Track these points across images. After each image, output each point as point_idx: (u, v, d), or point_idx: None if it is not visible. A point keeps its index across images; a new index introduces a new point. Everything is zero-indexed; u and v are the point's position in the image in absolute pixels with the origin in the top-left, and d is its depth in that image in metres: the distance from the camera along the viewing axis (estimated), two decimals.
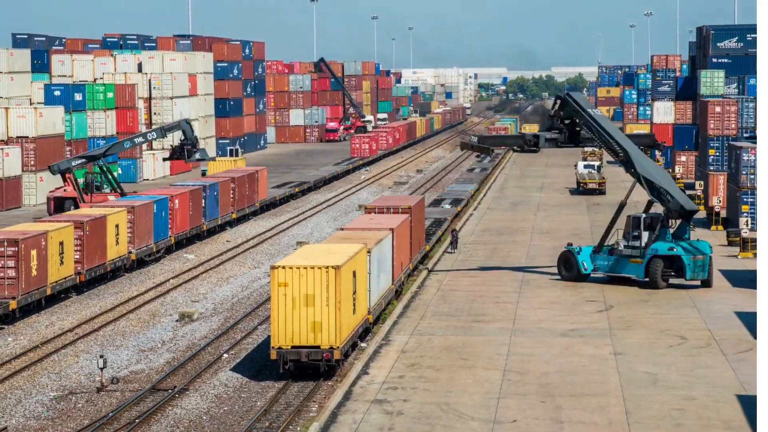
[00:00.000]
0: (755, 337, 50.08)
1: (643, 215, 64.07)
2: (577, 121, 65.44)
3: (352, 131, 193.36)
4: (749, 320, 53.56)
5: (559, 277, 64.86)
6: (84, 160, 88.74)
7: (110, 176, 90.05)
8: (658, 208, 64.07)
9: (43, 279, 60.57)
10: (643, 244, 63.12)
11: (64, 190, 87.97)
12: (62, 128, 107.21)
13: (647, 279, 62.76)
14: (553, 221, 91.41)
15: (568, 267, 65.26)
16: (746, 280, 64.34)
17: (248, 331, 56.16)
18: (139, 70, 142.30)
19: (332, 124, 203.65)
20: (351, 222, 64.65)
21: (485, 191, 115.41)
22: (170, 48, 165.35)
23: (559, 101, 66.17)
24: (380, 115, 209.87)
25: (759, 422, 30.40)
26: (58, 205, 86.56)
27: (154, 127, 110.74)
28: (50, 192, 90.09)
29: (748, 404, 40.51)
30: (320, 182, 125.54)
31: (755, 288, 61.42)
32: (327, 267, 45.59)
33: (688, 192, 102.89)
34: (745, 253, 72.37)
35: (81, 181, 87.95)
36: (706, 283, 62.89)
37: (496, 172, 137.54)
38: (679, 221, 63.34)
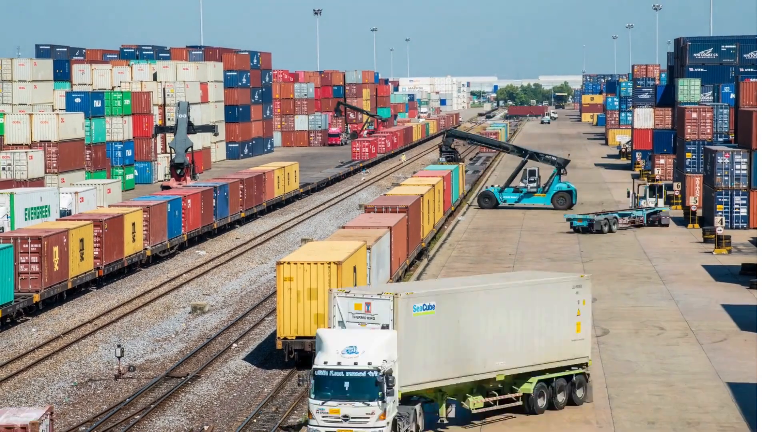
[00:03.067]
0: (741, 329, 50.27)
1: (536, 170, 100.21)
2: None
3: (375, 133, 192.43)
4: (735, 313, 53.68)
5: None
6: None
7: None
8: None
9: (65, 274, 60.61)
10: (541, 186, 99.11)
11: (168, 179, 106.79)
12: (82, 133, 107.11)
13: (551, 206, 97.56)
14: (539, 220, 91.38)
15: (488, 200, 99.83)
16: (724, 274, 64.47)
17: (256, 322, 56.17)
18: (154, 78, 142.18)
19: (334, 129, 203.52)
20: (352, 220, 64.68)
21: (477, 191, 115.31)
22: (183, 58, 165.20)
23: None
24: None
25: (759, 419, 30.44)
26: (165, 188, 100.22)
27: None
28: (162, 182, 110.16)
29: (735, 391, 40.59)
30: (323, 183, 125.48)
31: (735, 282, 61.73)
32: (329, 263, 45.61)
33: (668, 192, 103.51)
34: (720, 250, 72.40)
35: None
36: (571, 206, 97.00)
37: (488, 174, 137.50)
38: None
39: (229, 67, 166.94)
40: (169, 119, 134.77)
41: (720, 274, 64.57)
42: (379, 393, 32.79)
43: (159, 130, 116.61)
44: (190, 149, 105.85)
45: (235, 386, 44.85)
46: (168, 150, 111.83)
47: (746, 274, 63.14)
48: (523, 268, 67.61)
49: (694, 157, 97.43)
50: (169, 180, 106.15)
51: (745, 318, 52.37)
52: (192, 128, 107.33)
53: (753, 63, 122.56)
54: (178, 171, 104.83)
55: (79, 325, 56.32)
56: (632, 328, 50.91)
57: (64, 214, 75.25)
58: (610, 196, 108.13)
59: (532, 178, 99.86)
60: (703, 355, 45.77)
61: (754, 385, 40.55)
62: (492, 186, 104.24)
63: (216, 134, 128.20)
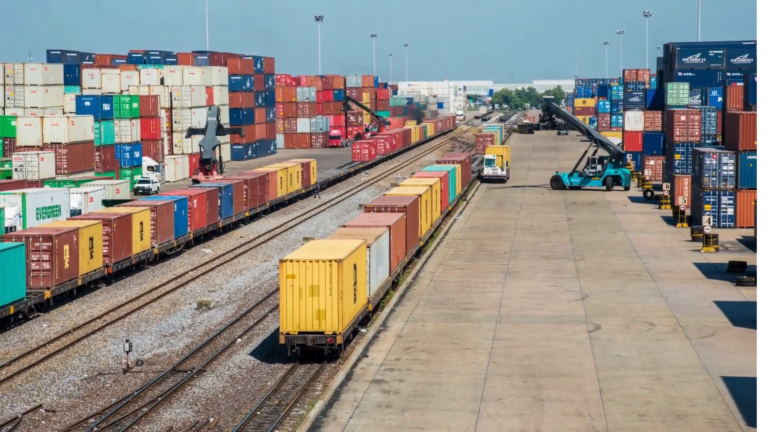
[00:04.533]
0: (735, 324, 50.30)
1: (596, 158, 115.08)
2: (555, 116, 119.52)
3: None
4: (725, 309, 53.69)
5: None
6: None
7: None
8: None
9: (75, 271, 60.62)
10: (599, 171, 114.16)
11: (197, 174, 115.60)
12: (92, 135, 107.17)
13: (604, 187, 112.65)
14: (534, 219, 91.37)
15: (557, 183, 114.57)
16: (711, 272, 64.46)
17: (259, 318, 56.16)
18: (162, 82, 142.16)
19: (335, 131, 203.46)
20: (352, 220, 64.67)
21: (473, 192, 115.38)
22: (189, 63, 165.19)
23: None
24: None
25: (759, 417, 30.42)
26: (195, 181, 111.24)
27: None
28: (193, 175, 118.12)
29: (722, 384, 40.62)
30: (324, 184, 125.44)
31: (722, 279, 61.74)
32: (330, 260, 45.61)
33: (657, 192, 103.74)
34: (708, 248, 72.35)
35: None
36: (627, 188, 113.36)
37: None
38: (614, 160, 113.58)
39: (233, 71, 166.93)
40: (176, 122, 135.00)
41: (708, 271, 64.56)
42: None
43: (192, 132, 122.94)
44: (217, 147, 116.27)
45: (240, 380, 44.85)
46: (198, 148, 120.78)
47: (733, 272, 63.17)
48: (518, 265, 67.64)
49: (682, 158, 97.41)
50: (198, 175, 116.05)
51: (735, 314, 52.40)
52: (221, 130, 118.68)
53: (740, 68, 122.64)
54: (206, 167, 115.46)
55: (89, 320, 56.32)
56: (623, 324, 50.89)
57: (75, 213, 75.26)
58: (602, 196, 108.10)
59: (593, 165, 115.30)
60: (691, 350, 45.77)
61: (741, 379, 40.67)
62: (560, 171, 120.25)
63: (242, 135, 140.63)
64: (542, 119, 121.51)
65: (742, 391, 39.12)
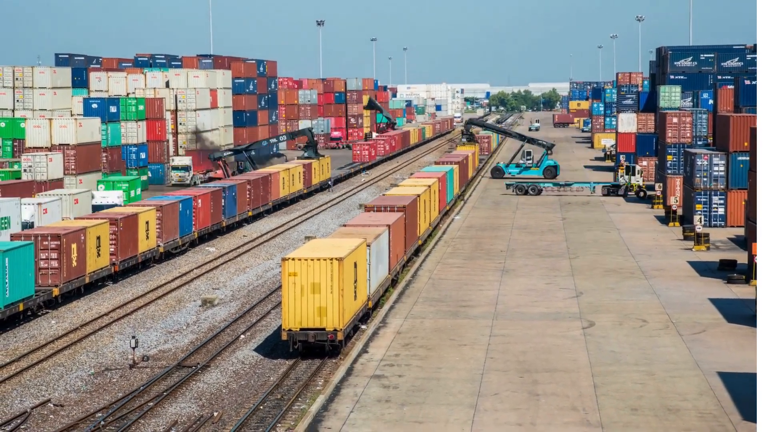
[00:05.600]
0: (727, 321, 50.32)
1: (531, 151, 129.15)
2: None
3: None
4: (718, 306, 53.73)
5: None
6: (231, 151, 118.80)
7: (253, 163, 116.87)
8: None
9: (82, 269, 60.63)
10: (535, 162, 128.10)
11: (215, 172, 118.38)
12: (99, 137, 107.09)
13: (542, 176, 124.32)
14: (530, 218, 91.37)
15: (498, 172, 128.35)
16: (702, 270, 64.48)
17: (262, 315, 56.16)
18: (167, 85, 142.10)
19: (336, 133, 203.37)
20: (352, 219, 64.62)
21: (471, 192, 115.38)
22: (194, 66, 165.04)
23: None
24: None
25: (759, 417, 30.43)
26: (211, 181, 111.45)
27: (283, 132, 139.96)
28: (209, 174, 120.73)
29: (713, 379, 40.64)
30: (325, 184, 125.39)
31: (713, 277, 61.72)
32: (331, 259, 45.62)
33: (649, 192, 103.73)
34: (699, 247, 72.35)
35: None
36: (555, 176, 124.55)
37: (481, 175, 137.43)
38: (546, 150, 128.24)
39: (237, 74, 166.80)
40: (180, 123, 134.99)
41: (699, 269, 64.58)
42: None
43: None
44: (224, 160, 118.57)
45: (243, 375, 44.86)
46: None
47: (724, 270, 63.18)
48: (514, 263, 67.63)
49: (674, 159, 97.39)
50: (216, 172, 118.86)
51: (726, 311, 52.43)
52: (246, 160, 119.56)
53: (730, 71, 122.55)
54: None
55: (96, 317, 56.32)
56: (616, 321, 50.91)
57: (27, 226, 66.83)
58: (596, 196, 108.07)
59: (528, 157, 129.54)
60: (683, 346, 45.79)
61: (732, 374, 40.69)
62: (500, 163, 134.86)
63: (254, 166, 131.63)
64: (463, 133, 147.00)
65: (734, 386, 39.15)
